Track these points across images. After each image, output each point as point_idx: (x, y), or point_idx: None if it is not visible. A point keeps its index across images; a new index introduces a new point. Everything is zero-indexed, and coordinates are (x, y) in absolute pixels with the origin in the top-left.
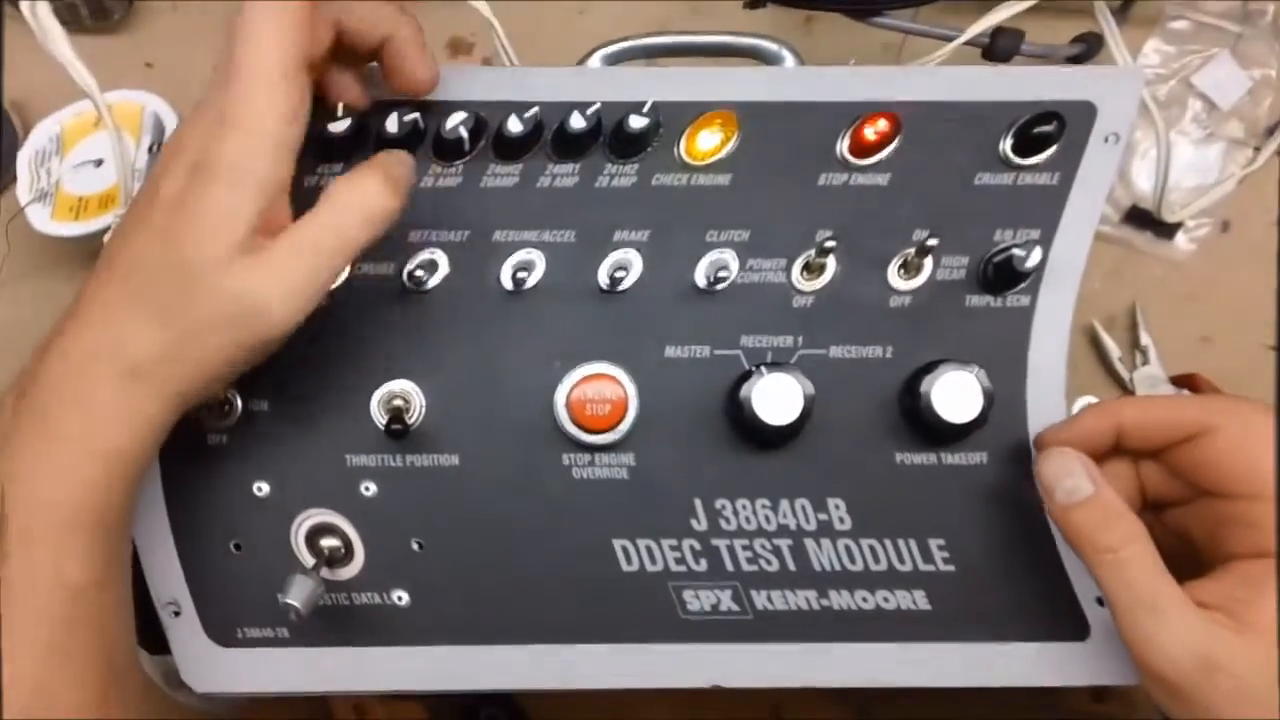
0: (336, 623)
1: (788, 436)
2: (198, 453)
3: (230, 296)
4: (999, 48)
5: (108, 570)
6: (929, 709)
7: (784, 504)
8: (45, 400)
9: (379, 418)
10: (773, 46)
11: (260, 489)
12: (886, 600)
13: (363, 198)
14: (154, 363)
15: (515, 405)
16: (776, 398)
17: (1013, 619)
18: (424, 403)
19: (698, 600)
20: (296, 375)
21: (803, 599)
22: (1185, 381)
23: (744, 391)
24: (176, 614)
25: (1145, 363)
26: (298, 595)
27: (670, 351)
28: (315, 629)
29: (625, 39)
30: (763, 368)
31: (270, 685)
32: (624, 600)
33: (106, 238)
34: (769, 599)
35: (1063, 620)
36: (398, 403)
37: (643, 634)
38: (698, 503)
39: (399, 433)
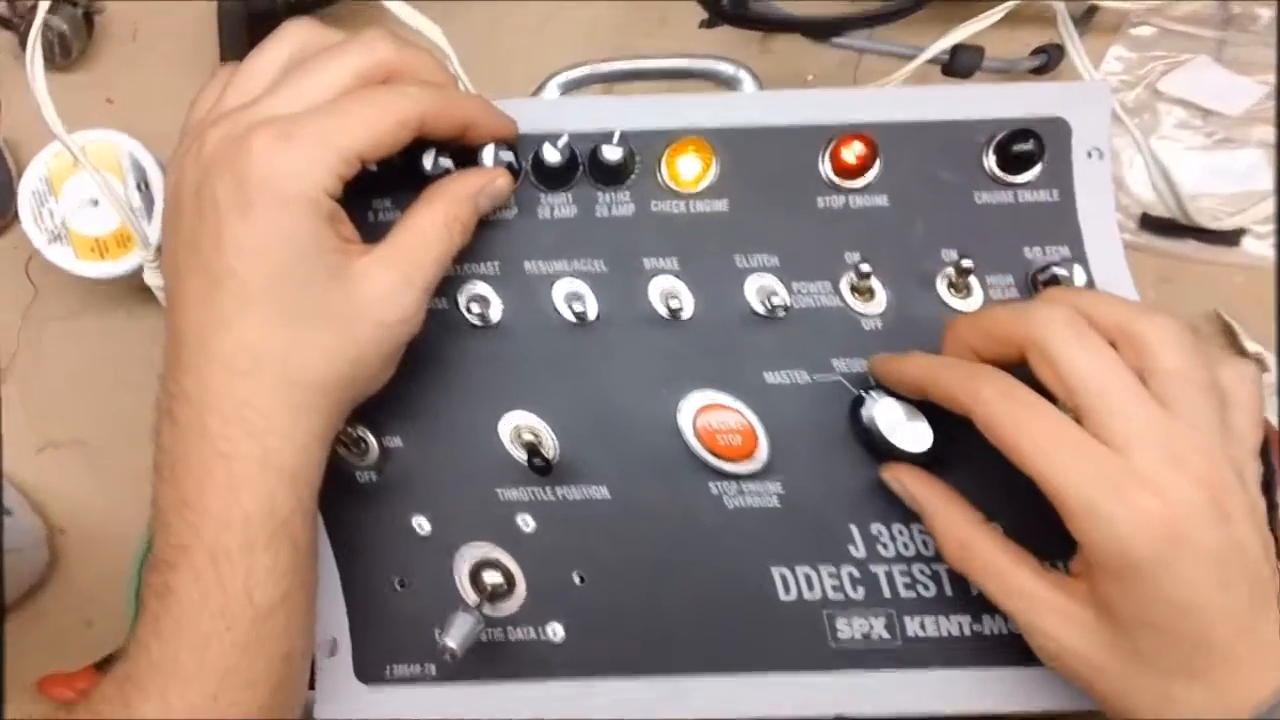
0: (485, 658)
1: (928, 462)
2: (351, 491)
3: (374, 294)
4: (959, 64)
5: (293, 585)
6: None
7: None
8: (205, 420)
9: (516, 452)
10: (729, 68)
11: (421, 525)
12: None
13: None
14: (318, 371)
15: (642, 436)
16: (901, 422)
17: None
18: (554, 435)
19: (849, 628)
20: (416, 410)
21: (955, 624)
22: None
23: (865, 418)
24: (332, 653)
25: (1265, 370)
26: (456, 635)
27: (770, 378)
28: (465, 665)
29: (580, 65)
30: (872, 392)
31: (406, 716)
32: (777, 630)
33: (149, 274)
34: (921, 625)
35: None
36: (529, 436)
37: (791, 663)
38: (853, 528)
39: (543, 468)
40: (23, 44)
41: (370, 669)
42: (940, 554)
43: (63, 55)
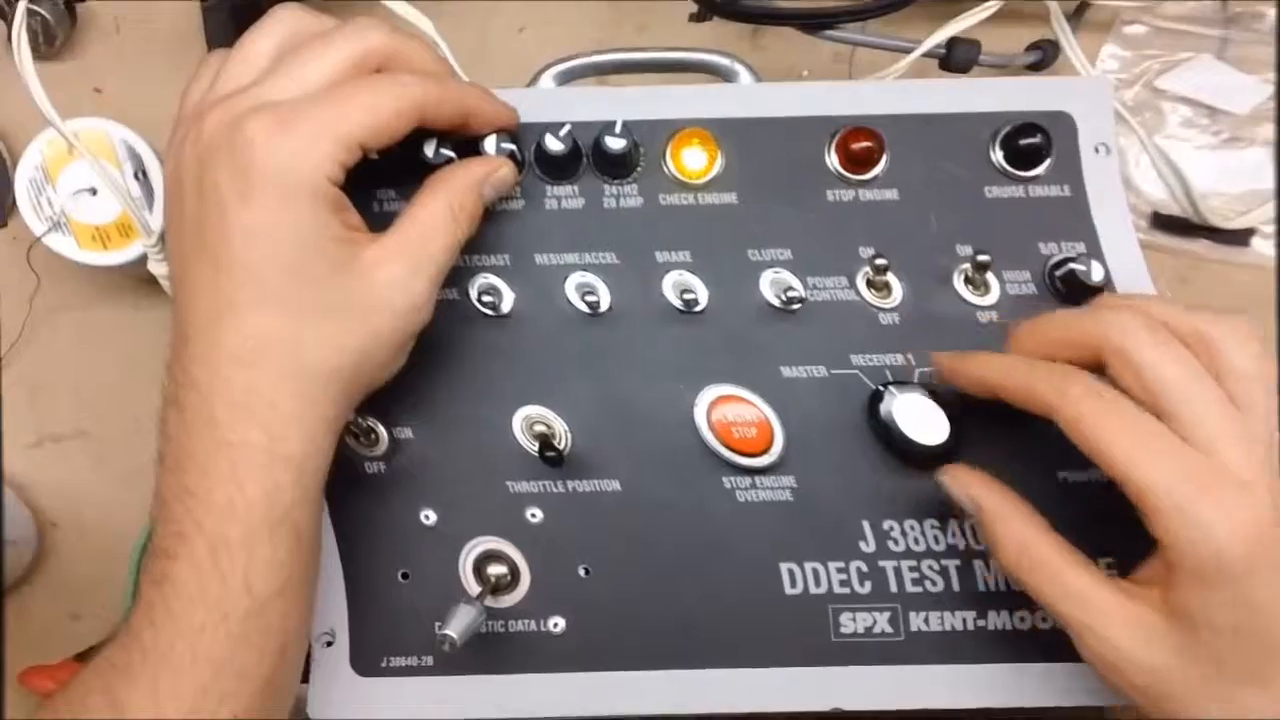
0: (485, 650)
1: (945, 457)
2: (358, 483)
3: (384, 283)
4: (956, 58)
5: (293, 576)
6: None
7: (953, 524)
8: (212, 408)
9: (528, 444)
10: (725, 61)
11: (428, 517)
12: (1044, 620)
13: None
14: (327, 359)
15: (657, 429)
16: (920, 418)
17: None
18: (567, 428)
19: (853, 622)
20: (428, 401)
21: (960, 620)
22: None
23: (883, 413)
24: (329, 644)
25: None
26: (457, 626)
27: (787, 372)
28: (462, 657)
29: (576, 56)
30: (891, 387)
31: (404, 713)
32: (780, 624)
33: (154, 264)
34: (925, 620)
35: None
36: (541, 428)
37: (793, 658)
38: (865, 524)
39: (554, 460)
40: (8, 34)
41: (366, 660)
42: (995, 557)
43: (47, 44)
